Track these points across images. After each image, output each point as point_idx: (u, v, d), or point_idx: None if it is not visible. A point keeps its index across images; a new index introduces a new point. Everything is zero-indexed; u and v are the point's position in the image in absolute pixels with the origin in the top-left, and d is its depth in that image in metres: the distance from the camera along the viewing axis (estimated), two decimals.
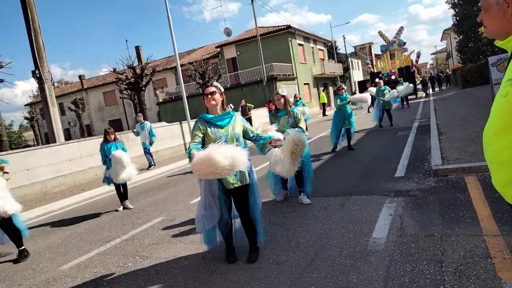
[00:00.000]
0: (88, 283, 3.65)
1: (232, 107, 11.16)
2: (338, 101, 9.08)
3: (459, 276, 2.64)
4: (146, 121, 11.66)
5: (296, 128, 4.86)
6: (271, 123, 5.33)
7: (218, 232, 3.72)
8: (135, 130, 11.89)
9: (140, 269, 3.76)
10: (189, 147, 3.25)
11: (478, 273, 2.63)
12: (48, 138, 11.65)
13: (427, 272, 2.77)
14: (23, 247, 4.79)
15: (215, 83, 3.63)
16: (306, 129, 14.17)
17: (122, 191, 6.84)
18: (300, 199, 5.20)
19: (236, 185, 3.42)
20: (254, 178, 3.61)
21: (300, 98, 15.38)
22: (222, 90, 3.58)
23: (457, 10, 29.55)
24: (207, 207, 3.46)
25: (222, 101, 3.53)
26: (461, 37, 30.16)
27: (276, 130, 5.07)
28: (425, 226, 3.63)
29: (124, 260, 4.11)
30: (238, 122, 3.55)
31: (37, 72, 10.79)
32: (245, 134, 3.60)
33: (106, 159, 6.61)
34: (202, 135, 3.40)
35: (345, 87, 9.54)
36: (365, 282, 2.78)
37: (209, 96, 3.43)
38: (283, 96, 5.14)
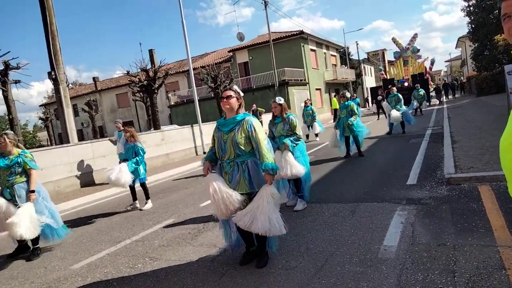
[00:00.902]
0: (98, 283, 3.69)
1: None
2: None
3: (471, 287, 2.59)
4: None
5: (289, 140, 5.09)
6: (269, 129, 5.49)
7: (234, 230, 3.63)
8: (113, 139, 9.67)
9: (149, 271, 3.78)
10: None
11: (492, 284, 2.58)
12: (62, 139, 11.84)
13: (439, 282, 2.72)
14: (37, 245, 4.87)
15: (234, 86, 3.55)
16: (318, 135, 14.08)
17: (133, 192, 6.96)
18: (296, 207, 5.19)
19: (239, 191, 3.35)
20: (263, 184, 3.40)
21: (310, 104, 15.31)
22: (241, 94, 3.51)
23: (472, 18, 29.23)
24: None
25: (240, 105, 3.48)
26: (476, 45, 29.82)
27: (274, 135, 5.41)
28: (437, 235, 3.58)
29: (134, 261, 4.14)
30: (243, 130, 3.34)
31: (53, 73, 11.00)
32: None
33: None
34: (214, 141, 3.54)
35: (348, 95, 9.31)
36: None
37: (225, 99, 3.42)
38: (280, 104, 5.26)
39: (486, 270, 2.78)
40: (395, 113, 11.95)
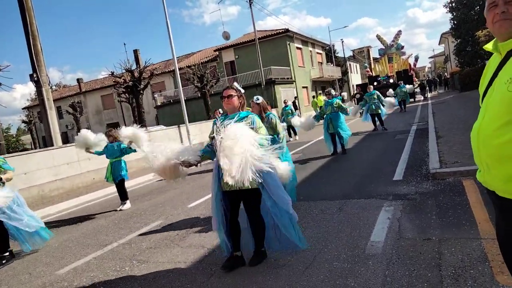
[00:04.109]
0: (85, 287, 3.63)
1: (221, 112, 9.96)
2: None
3: (456, 279, 2.63)
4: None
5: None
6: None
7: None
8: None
9: (137, 273, 3.74)
10: None
11: (476, 276, 2.63)
12: (46, 142, 11.62)
13: (425, 275, 2.76)
14: (5, 254, 4.79)
15: (235, 84, 3.50)
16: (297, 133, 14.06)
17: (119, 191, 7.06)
18: None
19: (227, 189, 3.26)
20: (270, 181, 3.24)
21: (288, 104, 15.41)
22: (242, 92, 3.46)
23: (454, 14, 29.73)
24: (212, 207, 3.45)
25: (241, 103, 3.44)
26: (458, 41, 30.33)
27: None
28: (423, 230, 3.63)
29: (121, 264, 4.08)
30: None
31: (35, 75, 10.79)
32: None
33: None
34: (211, 136, 3.48)
35: (333, 93, 9.55)
36: (362, 286, 2.77)
37: (226, 99, 3.38)
38: (258, 103, 5.04)
39: (471, 263, 2.83)
40: (388, 99, 12.32)
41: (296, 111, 11.10)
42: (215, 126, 3.36)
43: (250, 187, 3.16)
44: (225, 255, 3.57)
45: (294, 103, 25.03)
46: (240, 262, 3.47)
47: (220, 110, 10.21)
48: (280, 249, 3.52)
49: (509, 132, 1.41)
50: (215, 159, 3.41)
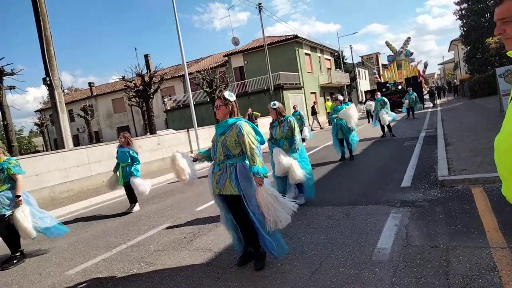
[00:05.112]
0: None
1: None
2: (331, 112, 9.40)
3: None
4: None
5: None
6: (270, 132, 5.79)
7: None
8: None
9: (145, 276, 3.78)
10: None
11: (484, 286, 2.61)
12: (57, 144, 11.79)
13: (432, 283, 2.75)
14: (16, 254, 4.86)
15: (225, 93, 3.55)
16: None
17: (128, 195, 7.18)
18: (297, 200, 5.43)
19: (217, 193, 3.51)
20: (249, 189, 3.39)
21: (298, 109, 15.44)
22: (231, 99, 3.50)
23: (464, 21, 29.57)
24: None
25: (231, 111, 3.51)
26: (468, 48, 30.14)
27: (274, 137, 5.72)
28: (431, 237, 3.61)
29: (129, 266, 4.13)
30: (233, 133, 3.38)
31: (47, 79, 10.99)
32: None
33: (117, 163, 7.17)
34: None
35: (340, 98, 9.57)
36: None
37: (216, 108, 3.56)
38: (274, 108, 5.54)
39: (479, 272, 2.81)
40: (384, 115, 12.06)
41: (303, 118, 11.02)
42: (215, 136, 3.62)
43: (231, 193, 3.40)
44: (238, 253, 3.77)
45: (313, 107, 25.09)
46: (253, 257, 3.62)
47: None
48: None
49: None
50: (211, 165, 3.64)
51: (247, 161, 3.44)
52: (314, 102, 30.07)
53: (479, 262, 2.96)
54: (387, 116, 12.05)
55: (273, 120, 5.69)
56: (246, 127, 3.42)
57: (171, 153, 3.84)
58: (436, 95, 33.72)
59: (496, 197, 4.42)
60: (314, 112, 24.66)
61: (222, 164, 3.46)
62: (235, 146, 3.39)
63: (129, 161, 6.96)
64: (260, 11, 24.06)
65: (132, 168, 6.95)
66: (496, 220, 3.75)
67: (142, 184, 6.99)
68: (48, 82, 10.99)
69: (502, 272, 2.74)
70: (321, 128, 23.42)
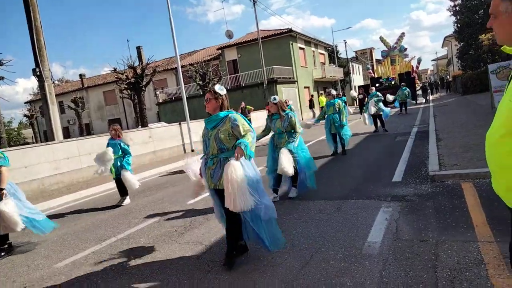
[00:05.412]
0: (83, 281, 3.65)
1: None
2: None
3: (452, 281, 2.64)
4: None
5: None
6: (267, 125, 5.89)
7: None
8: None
9: (134, 269, 3.76)
10: None
11: (471, 279, 2.64)
12: (47, 136, 11.64)
13: (420, 277, 2.77)
14: (4, 246, 4.81)
15: (215, 86, 3.54)
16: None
17: (119, 188, 7.09)
18: (289, 194, 5.66)
19: (213, 187, 3.51)
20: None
21: (289, 103, 15.41)
22: (222, 93, 3.49)
23: (458, 18, 29.70)
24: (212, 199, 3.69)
25: (221, 105, 3.48)
26: (461, 44, 30.30)
27: (272, 130, 5.81)
28: (421, 231, 3.64)
29: (119, 259, 4.10)
30: (226, 126, 3.38)
31: (37, 70, 10.81)
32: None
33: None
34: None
35: (334, 93, 9.62)
36: (358, 286, 2.78)
37: (205, 102, 3.54)
38: (275, 103, 5.68)
39: (467, 265, 2.84)
40: (371, 106, 12.12)
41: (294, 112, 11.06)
42: (206, 130, 3.59)
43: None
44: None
45: (311, 101, 24.97)
46: (244, 250, 3.67)
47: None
48: (247, 241, 3.67)
49: (510, 143, 1.39)
50: (203, 160, 3.63)
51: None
52: (312, 96, 30.15)
53: (467, 255, 2.99)
54: (374, 107, 12.09)
55: (272, 113, 5.78)
56: (240, 118, 3.45)
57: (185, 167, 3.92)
58: (429, 91, 33.97)
59: (485, 192, 4.46)
60: (311, 106, 24.71)
61: (216, 158, 3.44)
62: (229, 139, 3.39)
63: (120, 153, 6.90)
64: (254, 4, 23.89)
65: (123, 161, 6.89)
66: (485, 214, 3.79)
67: (133, 178, 6.95)
68: (38, 73, 10.82)
69: (489, 265, 2.78)
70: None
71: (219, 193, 3.52)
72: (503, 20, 1.46)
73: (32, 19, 10.62)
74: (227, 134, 3.37)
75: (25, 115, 38.29)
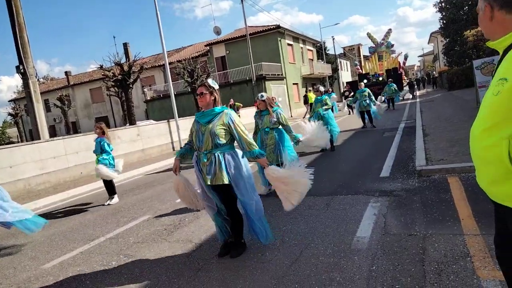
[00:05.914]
0: (71, 282, 3.61)
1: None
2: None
3: (439, 274, 2.69)
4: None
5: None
6: (256, 121, 5.96)
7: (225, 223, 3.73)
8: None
9: (124, 268, 3.73)
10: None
11: (458, 271, 2.69)
12: (32, 135, 11.44)
13: (408, 270, 2.81)
14: None
15: (209, 80, 3.53)
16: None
17: (107, 187, 7.01)
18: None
19: (209, 183, 3.44)
20: (239, 181, 3.42)
21: (276, 101, 15.44)
22: (215, 87, 3.49)
23: (444, 14, 30.06)
24: (204, 197, 3.61)
25: (215, 99, 3.47)
26: (447, 40, 30.70)
27: (260, 127, 5.88)
28: (408, 226, 3.69)
29: (108, 258, 4.06)
30: (222, 121, 3.38)
31: (21, 67, 10.59)
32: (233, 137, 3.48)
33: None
34: (191, 134, 3.61)
35: (322, 89, 9.69)
36: (348, 280, 2.81)
37: (199, 96, 3.46)
38: (263, 100, 5.78)
39: (453, 258, 2.89)
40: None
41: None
42: (198, 124, 3.53)
43: (223, 183, 3.36)
44: (220, 241, 3.78)
45: (305, 96, 24.92)
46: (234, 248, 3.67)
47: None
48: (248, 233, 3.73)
49: (491, 136, 1.42)
50: (195, 155, 3.59)
51: (237, 150, 3.51)
52: (308, 90, 30.10)
53: (454, 249, 3.04)
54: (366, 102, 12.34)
55: (261, 110, 5.84)
56: (236, 116, 3.48)
57: (175, 180, 3.74)
58: (415, 86, 34.36)
59: (471, 186, 4.54)
60: (306, 101, 24.73)
61: (210, 154, 3.39)
62: (225, 134, 3.39)
63: (99, 152, 6.81)
64: (242, 0, 23.79)
65: (99, 157, 6.79)
66: (470, 208, 3.86)
67: (108, 171, 6.74)
68: (22, 70, 10.60)
69: (475, 258, 2.83)
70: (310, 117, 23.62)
71: (216, 190, 3.48)
72: (480, 16, 1.59)
73: (15, 14, 10.39)
74: (222, 129, 3.37)
75: (10, 114, 37.53)
